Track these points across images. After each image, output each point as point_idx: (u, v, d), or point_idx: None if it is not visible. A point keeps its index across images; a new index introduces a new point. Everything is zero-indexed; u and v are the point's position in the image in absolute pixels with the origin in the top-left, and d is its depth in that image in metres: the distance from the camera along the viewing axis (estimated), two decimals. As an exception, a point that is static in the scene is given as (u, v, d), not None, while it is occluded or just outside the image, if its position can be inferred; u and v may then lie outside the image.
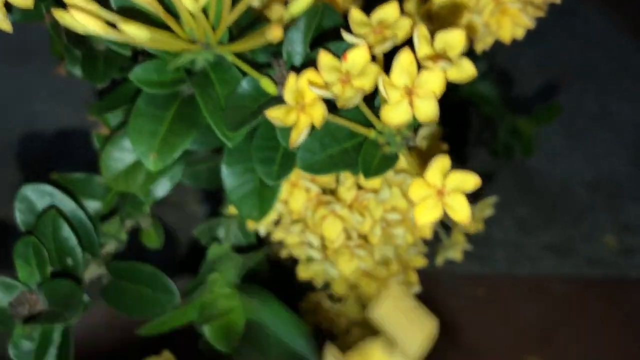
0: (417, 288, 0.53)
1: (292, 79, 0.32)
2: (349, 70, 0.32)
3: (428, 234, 0.45)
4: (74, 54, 0.42)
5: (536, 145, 0.94)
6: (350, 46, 0.32)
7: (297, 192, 0.41)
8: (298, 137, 0.32)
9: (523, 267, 1.23)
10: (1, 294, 0.38)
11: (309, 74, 0.32)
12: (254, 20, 0.38)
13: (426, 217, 0.32)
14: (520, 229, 1.27)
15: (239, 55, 0.37)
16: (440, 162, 0.31)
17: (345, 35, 0.31)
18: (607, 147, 1.35)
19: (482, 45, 0.46)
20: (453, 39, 0.32)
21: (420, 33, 0.31)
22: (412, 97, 0.31)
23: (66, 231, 0.40)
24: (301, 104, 0.32)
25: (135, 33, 0.29)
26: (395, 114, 0.31)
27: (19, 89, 0.86)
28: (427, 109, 0.31)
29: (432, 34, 0.32)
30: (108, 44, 0.36)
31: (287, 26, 0.37)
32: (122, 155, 0.43)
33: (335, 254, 0.45)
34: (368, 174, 0.34)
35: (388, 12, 0.33)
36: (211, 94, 0.35)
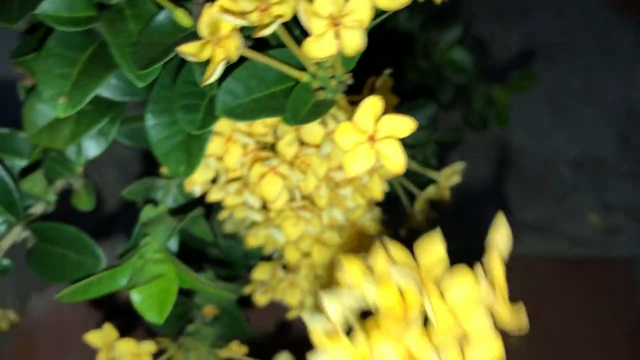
0: (373, 257, 0.50)
1: (207, 10, 0.29)
2: None
3: (379, 195, 0.42)
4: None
5: (512, 117, 0.91)
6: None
7: (232, 146, 0.38)
8: (212, 73, 0.28)
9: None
10: None
11: (223, 1, 0.28)
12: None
13: (357, 165, 0.28)
14: (503, 207, 1.24)
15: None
16: (372, 104, 0.28)
17: None
18: (592, 125, 1.32)
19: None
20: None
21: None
22: (339, 27, 0.27)
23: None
24: (217, 37, 0.29)
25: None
26: (319, 46, 0.28)
27: None
28: (355, 41, 0.27)
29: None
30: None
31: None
32: (45, 107, 0.39)
33: (279, 216, 0.42)
34: (296, 120, 0.30)
35: None
36: (122, 30, 0.31)
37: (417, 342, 0.26)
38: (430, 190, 0.56)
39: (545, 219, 1.25)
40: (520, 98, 0.94)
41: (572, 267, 1.18)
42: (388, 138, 0.28)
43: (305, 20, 0.27)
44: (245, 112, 0.31)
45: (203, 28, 0.29)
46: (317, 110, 0.32)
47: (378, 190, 0.41)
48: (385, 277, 0.28)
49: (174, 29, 0.31)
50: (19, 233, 0.40)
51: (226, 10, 0.28)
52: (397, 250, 0.29)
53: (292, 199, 0.40)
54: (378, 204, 0.51)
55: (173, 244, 0.43)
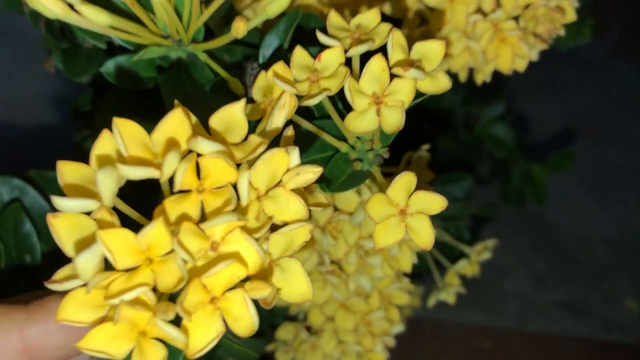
0: (399, 327, 0.50)
1: (262, 75, 0.31)
2: (320, 70, 0.30)
3: (408, 267, 0.43)
4: (60, 49, 0.41)
5: (550, 195, 0.91)
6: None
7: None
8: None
9: (534, 323, 1.17)
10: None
11: (277, 67, 0.30)
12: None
13: (387, 238, 0.29)
14: (535, 283, 1.22)
15: (216, 56, 0.35)
16: (406, 179, 0.29)
17: (320, 36, 0.30)
18: (632, 206, 1.30)
19: (482, 75, 0.45)
20: (431, 49, 0.30)
21: (395, 39, 0.29)
22: (380, 106, 0.29)
23: (27, 227, 0.39)
24: (269, 99, 0.31)
25: (95, 16, 0.28)
26: (360, 122, 0.29)
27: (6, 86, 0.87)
28: (394, 119, 0.29)
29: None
30: (83, 35, 0.35)
31: (267, 29, 0.36)
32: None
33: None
34: (332, 187, 0.32)
35: (368, 17, 0.32)
36: (179, 91, 0.34)
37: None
38: (461, 265, 0.57)
39: (577, 299, 1.22)
40: (559, 174, 0.94)
41: (604, 352, 1.15)
42: (419, 214, 0.29)
43: (349, 96, 0.29)
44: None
45: (257, 93, 0.31)
46: (353, 180, 0.33)
47: (407, 262, 0.42)
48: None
49: (227, 94, 0.33)
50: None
51: (279, 77, 0.30)
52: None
53: (321, 262, 0.41)
54: (407, 274, 0.52)
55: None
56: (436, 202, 0.29)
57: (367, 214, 0.29)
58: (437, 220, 0.65)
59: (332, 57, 0.30)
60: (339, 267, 0.42)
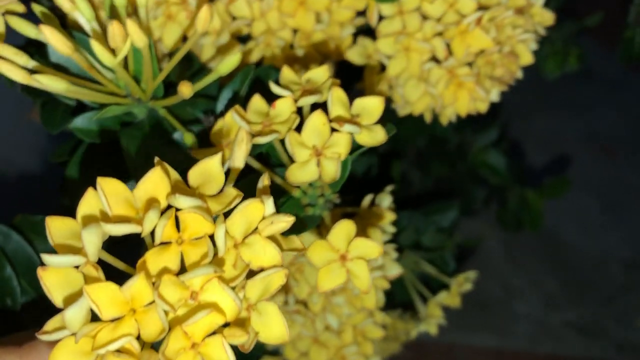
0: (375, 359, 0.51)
1: (219, 121, 0.33)
2: (273, 116, 0.32)
3: (372, 304, 0.44)
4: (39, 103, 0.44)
5: (562, 211, 0.91)
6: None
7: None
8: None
9: (545, 345, 1.16)
10: None
11: (236, 108, 0.32)
12: (198, 71, 0.39)
13: (329, 282, 0.31)
14: (547, 305, 1.21)
15: (179, 109, 0.38)
16: (345, 226, 0.31)
17: (273, 87, 0.32)
18: (647, 226, 1.28)
19: (444, 118, 0.46)
20: (371, 104, 0.32)
21: (335, 95, 0.31)
22: (320, 157, 0.31)
23: (8, 271, 0.41)
24: (227, 141, 0.33)
25: (50, 83, 0.31)
26: (301, 172, 0.31)
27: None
28: (332, 170, 0.31)
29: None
30: (53, 93, 0.38)
31: (224, 83, 0.38)
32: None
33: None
34: (285, 231, 0.34)
35: (318, 72, 0.34)
36: (138, 145, 0.36)
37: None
38: (441, 296, 0.58)
39: (590, 320, 1.20)
40: (573, 192, 0.94)
41: (616, 374, 1.13)
42: (358, 259, 0.31)
43: (290, 148, 0.31)
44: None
45: (213, 137, 0.34)
46: (304, 226, 0.35)
47: (370, 301, 0.44)
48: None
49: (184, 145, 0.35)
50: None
51: (239, 113, 0.32)
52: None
53: (285, 302, 0.43)
54: (388, 306, 0.53)
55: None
56: (374, 248, 0.31)
57: (308, 259, 0.31)
58: (422, 251, 0.66)
59: (284, 106, 0.32)
60: (305, 306, 0.44)
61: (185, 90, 0.31)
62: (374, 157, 0.62)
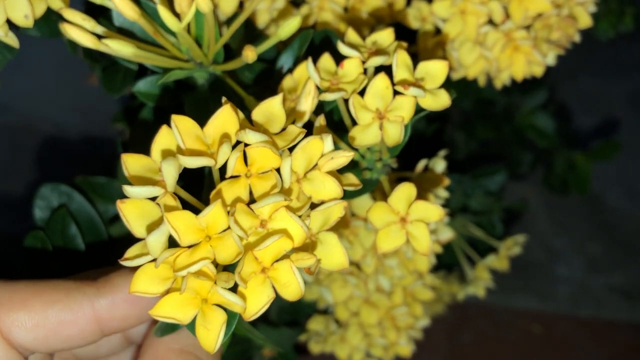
0: (424, 322, 0.52)
1: (287, 77, 0.34)
2: (341, 76, 0.33)
3: (424, 267, 0.45)
4: (100, 67, 0.45)
5: (610, 174, 0.90)
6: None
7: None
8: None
9: (587, 308, 1.16)
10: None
11: (310, 60, 0.33)
12: (256, 37, 0.40)
13: (388, 243, 0.32)
14: (589, 268, 1.20)
15: (237, 74, 0.38)
16: (406, 189, 0.31)
17: (341, 47, 0.32)
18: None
19: (499, 82, 0.46)
20: (435, 68, 0.32)
21: (400, 59, 0.31)
22: (383, 120, 0.31)
23: (73, 229, 0.43)
24: (295, 96, 0.34)
25: (119, 48, 0.31)
26: (363, 135, 0.31)
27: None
28: (395, 134, 0.31)
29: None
30: (116, 58, 0.39)
31: (283, 47, 0.38)
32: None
33: (327, 278, 0.45)
34: (343, 196, 0.34)
35: (383, 35, 0.34)
36: (203, 109, 0.37)
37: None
38: (490, 259, 0.58)
39: (633, 283, 1.19)
40: (622, 155, 0.92)
41: (661, 338, 1.12)
42: (418, 221, 0.31)
43: (354, 111, 0.31)
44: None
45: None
46: (363, 188, 0.35)
47: (424, 263, 0.44)
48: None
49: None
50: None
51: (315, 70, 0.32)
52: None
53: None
54: (438, 267, 0.54)
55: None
56: (434, 212, 0.31)
57: (369, 220, 0.31)
58: (469, 214, 0.66)
59: (352, 66, 0.33)
60: (358, 268, 0.45)
61: (250, 54, 0.32)
62: (422, 122, 0.62)
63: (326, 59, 0.33)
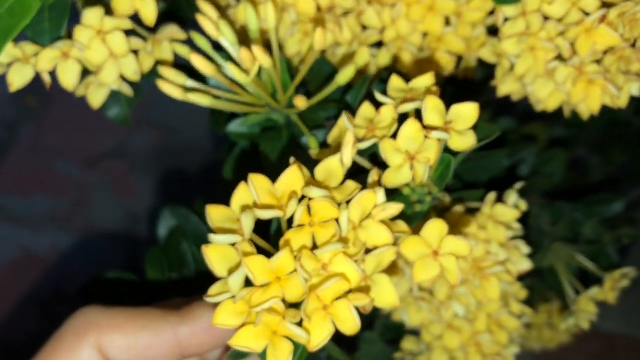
0: (514, 349, 0.53)
1: (335, 127, 0.39)
2: (377, 122, 0.36)
3: (495, 295, 0.46)
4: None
5: None
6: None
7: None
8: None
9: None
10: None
11: (346, 114, 0.37)
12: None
13: (424, 274, 0.34)
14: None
15: (312, 114, 0.43)
16: (437, 225, 0.34)
17: (377, 95, 0.36)
18: None
19: (583, 114, 0.45)
20: (465, 111, 0.34)
21: (430, 103, 0.34)
22: (413, 161, 0.34)
23: (185, 247, 0.50)
24: (337, 144, 0.38)
25: (198, 100, 0.38)
26: (395, 176, 0.34)
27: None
28: (420, 174, 0.34)
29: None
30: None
31: (348, 88, 0.43)
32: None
33: (402, 302, 0.48)
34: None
35: (422, 80, 0.36)
36: (275, 145, 0.42)
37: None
38: (594, 291, 0.57)
39: None
40: None
41: None
42: (449, 255, 0.34)
43: (383, 155, 0.34)
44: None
45: (330, 139, 0.39)
46: (411, 221, 0.38)
47: (494, 291, 0.45)
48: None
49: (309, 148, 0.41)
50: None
51: (349, 117, 0.36)
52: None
53: (410, 290, 0.46)
54: (530, 300, 0.54)
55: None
56: (464, 247, 0.33)
57: (402, 253, 0.34)
58: (582, 244, 0.64)
59: (387, 112, 0.36)
60: (430, 294, 0.47)
61: (299, 103, 0.36)
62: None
63: (365, 107, 0.37)
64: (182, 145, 1.06)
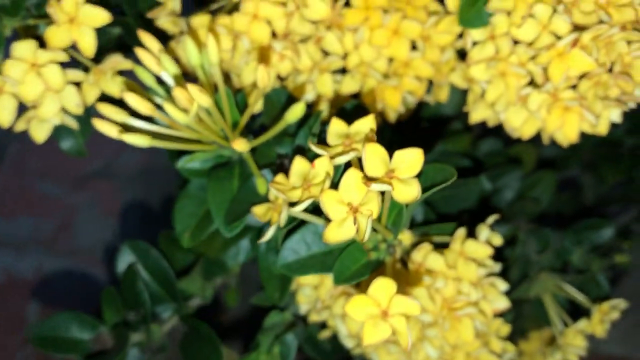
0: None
1: (272, 182, 0.35)
2: (311, 177, 0.33)
3: (470, 337, 0.42)
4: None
5: None
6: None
7: (326, 279, 0.43)
8: (266, 234, 0.34)
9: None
10: (88, 330, 0.47)
11: (278, 177, 0.34)
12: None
13: (374, 336, 0.31)
14: None
15: (266, 149, 0.40)
16: (384, 283, 0.31)
17: (312, 146, 0.33)
18: None
19: (562, 141, 0.42)
20: (410, 158, 0.31)
21: (369, 151, 0.31)
22: (357, 214, 0.31)
23: (140, 285, 0.48)
24: (275, 204, 0.35)
25: (135, 140, 0.35)
26: (338, 231, 0.31)
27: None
28: (362, 228, 0.30)
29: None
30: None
31: (299, 127, 0.40)
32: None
33: (372, 345, 0.45)
34: (340, 279, 0.34)
35: (364, 123, 0.33)
36: (225, 186, 0.39)
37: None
38: (581, 324, 0.53)
39: None
40: None
41: None
42: (399, 315, 0.30)
43: (324, 208, 0.31)
44: (300, 267, 0.36)
45: (270, 195, 0.36)
46: (365, 271, 0.35)
47: (468, 333, 0.42)
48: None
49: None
50: (174, 322, 0.50)
51: (277, 185, 0.34)
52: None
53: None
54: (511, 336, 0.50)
55: (292, 346, 0.49)
56: (413, 307, 0.30)
57: (347, 313, 0.31)
58: (571, 273, 0.60)
59: (321, 166, 0.33)
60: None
61: (238, 146, 0.33)
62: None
63: (299, 162, 0.34)
64: (169, 165, 1.04)
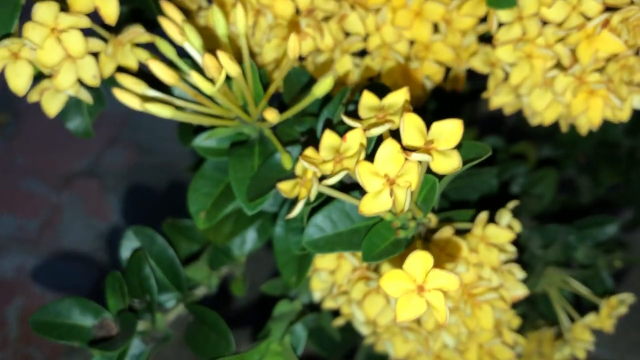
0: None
1: (301, 156, 0.34)
2: (343, 151, 0.32)
3: (489, 325, 0.42)
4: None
5: None
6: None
7: (342, 263, 0.42)
8: (294, 210, 0.33)
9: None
10: (91, 316, 0.45)
11: (308, 151, 0.33)
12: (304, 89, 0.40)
13: (408, 312, 0.30)
14: None
15: (287, 127, 0.39)
16: (421, 257, 0.30)
17: (344, 118, 0.32)
18: None
19: (582, 127, 0.42)
20: (448, 129, 0.30)
21: (408, 122, 0.30)
22: (393, 186, 0.30)
23: (147, 271, 0.46)
24: (303, 180, 0.34)
25: (158, 111, 0.34)
26: (373, 203, 0.30)
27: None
28: (401, 200, 0.30)
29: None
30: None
31: (324, 103, 0.39)
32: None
33: (387, 332, 0.44)
34: (368, 257, 0.33)
35: (396, 96, 0.33)
36: (246, 163, 0.38)
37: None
38: (590, 319, 0.53)
39: None
40: None
41: None
42: (435, 290, 0.30)
43: (360, 180, 0.30)
44: (326, 244, 0.35)
45: (298, 170, 0.35)
46: (393, 249, 0.34)
47: (488, 320, 0.41)
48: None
49: (284, 167, 0.37)
50: (180, 309, 0.48)
51: (308, 158, 0.33)
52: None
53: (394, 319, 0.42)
54: (521, 329, 0.50)
55: (302, 336, 0.47)
56: (451, 281, 0.29)
57: (382, 287, 0.30)
58: (575, 268, 0.60)
59: (354, 138, 0.32)
60: (418, 323, 0.43)
61: (270, 117, 0.32)
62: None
63: (328, 136, 0.33)
64: (156, 163, 1.02)
